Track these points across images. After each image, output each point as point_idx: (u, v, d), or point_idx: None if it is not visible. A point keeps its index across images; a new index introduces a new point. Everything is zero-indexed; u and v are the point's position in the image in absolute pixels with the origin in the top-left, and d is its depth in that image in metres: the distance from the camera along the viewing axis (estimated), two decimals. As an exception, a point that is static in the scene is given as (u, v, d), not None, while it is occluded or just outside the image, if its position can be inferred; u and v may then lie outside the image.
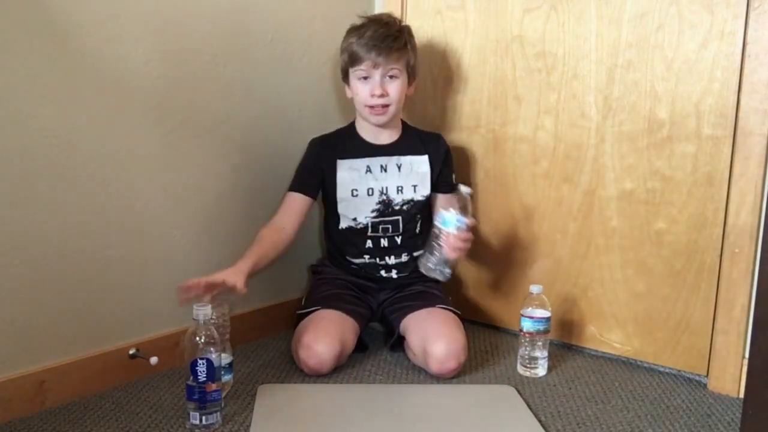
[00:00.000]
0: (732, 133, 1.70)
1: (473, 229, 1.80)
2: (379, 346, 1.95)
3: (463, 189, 1.76)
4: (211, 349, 1.44)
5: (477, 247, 2.16)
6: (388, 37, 1.84)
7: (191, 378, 1.44)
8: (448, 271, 1.79)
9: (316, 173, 1.95)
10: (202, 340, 1.43)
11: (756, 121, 1.65)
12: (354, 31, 1.88)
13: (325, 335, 1.76)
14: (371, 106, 1.88)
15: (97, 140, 1.60)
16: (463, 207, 1.76)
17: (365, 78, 1.86)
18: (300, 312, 1.91)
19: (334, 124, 2.10)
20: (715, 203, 1.75)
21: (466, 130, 2.17)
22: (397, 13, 2.11)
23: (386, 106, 1.88)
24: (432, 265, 1.78)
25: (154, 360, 1.68)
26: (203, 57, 1.79)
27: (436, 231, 1.77)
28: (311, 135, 2.07)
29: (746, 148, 1.67)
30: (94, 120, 1.59)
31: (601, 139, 1.91)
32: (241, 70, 1.89)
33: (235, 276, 1.62)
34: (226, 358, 1.58)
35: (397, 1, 2.23)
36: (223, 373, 1.51)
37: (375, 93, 1.85)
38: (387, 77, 1.86)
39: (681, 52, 1.77)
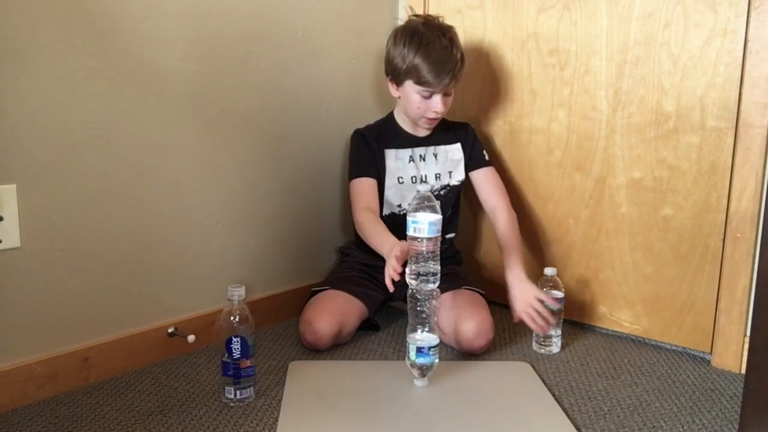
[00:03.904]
0: (734, 125, 1.72)
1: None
2: (402, 326, 1.94)
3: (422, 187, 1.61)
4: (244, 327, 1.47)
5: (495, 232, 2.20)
6: (453, 61, 1.85)
7: (226, 355, 1.48)
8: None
9: (372, 158, 1.98)
10: (237, 320, 1.47)
11: (757, 114, 1.67)
12: (419, 47, 1.84)
13: (324, 314, 1.81)
14: (429, 119, 1.93)
15: (138, 132, 1.63)
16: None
17: (428, 97, 1.89)
18: (313, 289, 1.97)
19: (360, 116, 2.14)
20: (718, 191, 1.78)
21: (485, 122, 2.21)
22: (419, 12, 2.11)
23: (438, 118, 1.95)
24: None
25: (191, 338, 1.73)
26: (237, 53, 1.82)
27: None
28: (339, 126, 2.11)
29: (747, 139, 1.70)
30: (134, 113, 1.62)
31: (612, 130, 1.94)
32: (273, 66, 1.92)
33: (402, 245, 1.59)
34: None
35: (420, 1, 2.26)
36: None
37: (437, 110, 1.90)
38: (444, 95, 1.90)
39: (686, 49, 1.78)
